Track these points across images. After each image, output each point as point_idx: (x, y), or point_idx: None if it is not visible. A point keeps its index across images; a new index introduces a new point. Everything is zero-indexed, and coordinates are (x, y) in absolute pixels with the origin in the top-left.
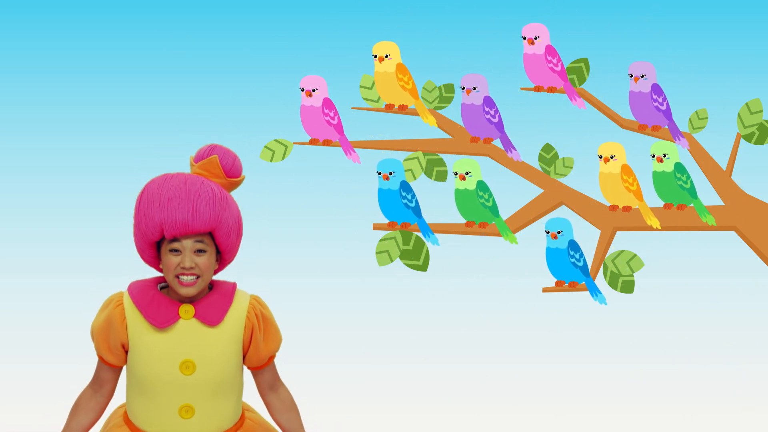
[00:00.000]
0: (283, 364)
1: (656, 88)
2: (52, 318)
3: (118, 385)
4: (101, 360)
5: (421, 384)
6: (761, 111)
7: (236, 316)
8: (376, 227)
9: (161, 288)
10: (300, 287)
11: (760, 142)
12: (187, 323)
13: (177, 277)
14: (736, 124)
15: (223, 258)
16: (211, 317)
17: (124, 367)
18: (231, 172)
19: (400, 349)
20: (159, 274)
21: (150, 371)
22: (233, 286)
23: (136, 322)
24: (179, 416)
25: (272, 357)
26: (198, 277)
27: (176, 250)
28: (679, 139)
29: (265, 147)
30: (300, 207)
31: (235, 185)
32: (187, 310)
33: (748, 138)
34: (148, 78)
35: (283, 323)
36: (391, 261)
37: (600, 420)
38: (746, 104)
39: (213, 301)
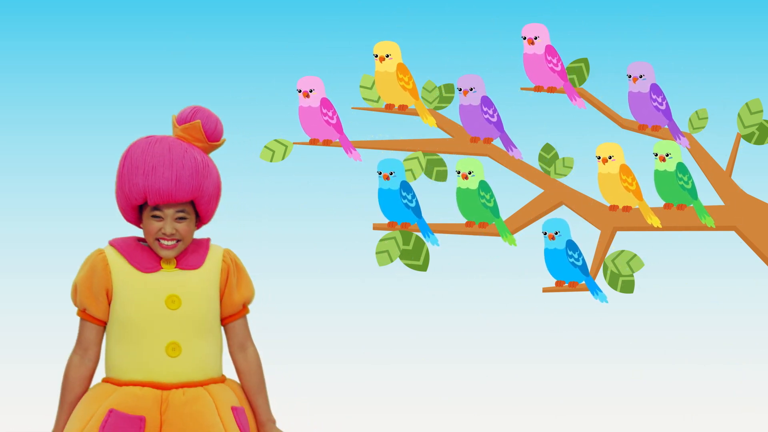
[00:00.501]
0: (283, 363)
1: (655, 88)
2: (51, 318)
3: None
4: (84, 317)
5: (421, 384)
6: (761, 111)
7: (213, 261)
8: (376, 227)
9: (139, 241)
10: (300, 287)
11: (760, 142)
12: (170, 271)
13: (157, 240)
14: (736, 124)
15: (200, 221)
16: (192, 263)
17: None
18: (213, 136)
19: (400, 349)
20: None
21: (137, 309)
22: (208, 239)
23: (120, 267)
24: (166, 355)
25: (245, 307)
26: (178, 241)
27: (158, 216)
28: (680, 139)
29: (265, 147)
30: (300, 207)
31: (215, 148)
32: (168, 261)
33: (748, 138)
34: (148, 78)
35: (283, 323)
36: (391, 261)
37: (600, 420)
38: (746, 104)
39: (191, 252)
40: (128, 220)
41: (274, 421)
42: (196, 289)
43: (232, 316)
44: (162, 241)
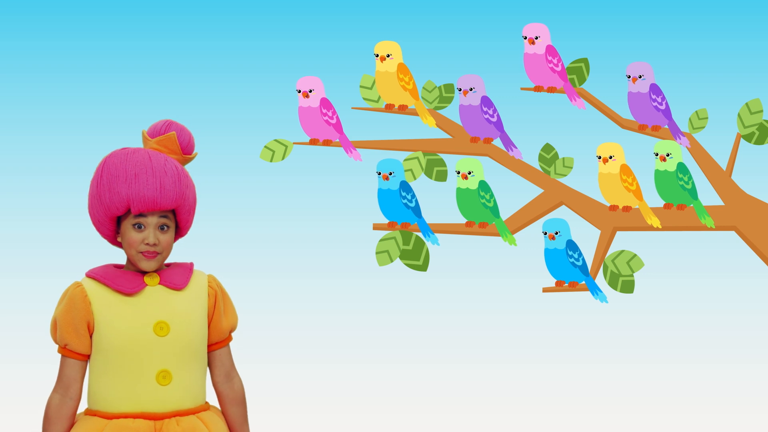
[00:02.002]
0: (283, 363)
1: (655, 88)
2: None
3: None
4: (66, 353)
5: (421, 384)
6: (761, 111)
7: (199, 284)
8: (376, 227)
9: (115, 267)
10: (300, 287)
11: (760, 142)
12: (154, 289)
13: (140, 252)
14: (736, 124)
15: (179, 233)
16: (176, 282)
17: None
18: (187, 148)
19: (400, 349)
20: (113, 258)
21: (124, 337)
22: (191, 263)
23: (100, 296)
24: (157, 383)
25: (230, 335)
26: (158, 254)
27: (140, 225)
28: (680, 139)
29: (265, 147)
30: (300, 207)
31: (188, 161)
32: (152, 277)
33: (748, 138)
34: (148, 78)
35: (283, 323)
36: (391, 261)
37: (600, 420)
38: (746, 104)
39: (174, 271)
40: (104, 235)
41: None
42: (184, 314)
43: (219, 344)
44: (144, 253)
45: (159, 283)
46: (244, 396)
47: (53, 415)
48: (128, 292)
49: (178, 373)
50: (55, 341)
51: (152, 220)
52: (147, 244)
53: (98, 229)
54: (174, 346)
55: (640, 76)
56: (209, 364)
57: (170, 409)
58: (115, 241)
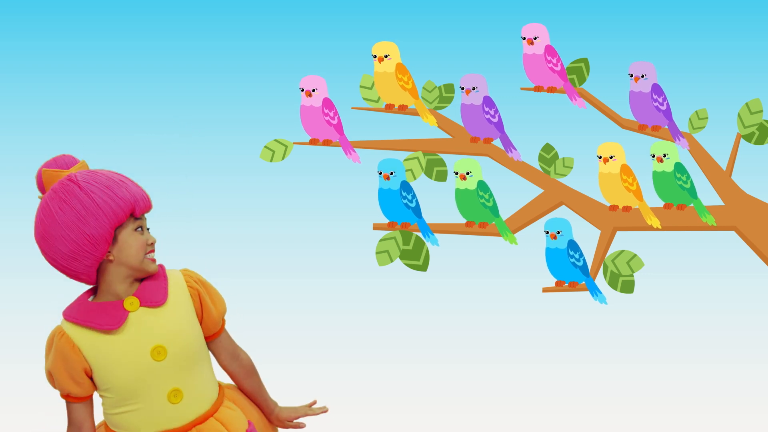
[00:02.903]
0: (283, 363)
1: (656, 88)
2: (51, 318)
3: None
4: (69, 400)
5: (421, 384)
6: (761, 111)
7: (178, 290)
8: (376, 227)
9: (91, 300)
10: (300, 287)
11: (760, 142)
12: (137, 314)
13: (146, 255)
14: (736, 124)
15: None
16: (156, 298)
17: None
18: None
19: (400, 349)
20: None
21: (126, 374)
22: (162, 266)
23: (88, 340)
24: (170, 403)
25: (224, 319)
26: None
27: (140, 228)
28: (679, 139)
29: (265, 147)
30: (300, 207)
31: None
32: (131, 302)
33: (748, 138)
34: (148, 78)
35: (283, 323)
36: (391, 261)
37: (600, 420)
38: (746, 104)
39: (150, 286)
40: (85, 267)
41: (277, 404)
42: (176, 330)
43: (216, 334)
44: (150, 255)
45: (140, 306)
46: (254, 365)
47: None
48: (113, 328)
49: (188, 385)
50: (55, 388)
51: (145, 222)
52: (150, 243)
53: (82, 263)
54: (176, 365)
55: (643, 76)
56: (213, 353)
57: (187, 420)
58: (92, 278)
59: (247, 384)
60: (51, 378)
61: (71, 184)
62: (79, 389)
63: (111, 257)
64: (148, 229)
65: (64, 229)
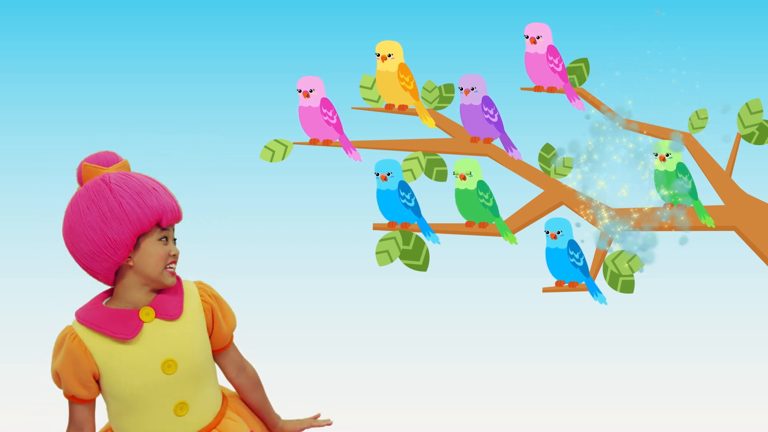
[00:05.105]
0: (283, 363)
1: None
2: (51, 318)
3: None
4: (73, 401)
5: (421, 384)
6: (761, 111)
7: (193, 304)
8: (376, 227)
9: (105, 304)
10: (301, 287)
11: (760, 142)
12: (152, 325)
13: (166, 266)
14: (736, 124)
15: None
16: (171, 312)
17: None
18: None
19: (400, 349)
20: (98, 292)
21: (134, 384)
22: (179, 278)
23: (100, 346)
24: (176, 415)
25: (232, 335)
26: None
27: (165, 239)
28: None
29: (265, 147)
30: (300, 207)
31: None
32: (147, 312)
33: (748, 138)
34: (148, 78)
35: (284, 323)
36: (391, 261)
37: (600, 420)
38: (746, 104)
39: (166, 298)
40: (104, 269)
41: (280, 417)
42: (188, 345)
43: (224, 347)
44: (170, 266)
45: (156, 317)
46: (259, 378)
47: None
48: (127, 338)
49: (194, 399)
50: (59, 387)
51: (172, 233)
52: (173, 255)
53: (98, 262)
54: (185, 379)
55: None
56: (220, 365)
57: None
58: (111, 279)
59: (252, 397)
60: (57, 378)
61: (103, 185)
62: (85, 392)
63: (131, 263)
64: (174, 239)
65: (87, 228)
